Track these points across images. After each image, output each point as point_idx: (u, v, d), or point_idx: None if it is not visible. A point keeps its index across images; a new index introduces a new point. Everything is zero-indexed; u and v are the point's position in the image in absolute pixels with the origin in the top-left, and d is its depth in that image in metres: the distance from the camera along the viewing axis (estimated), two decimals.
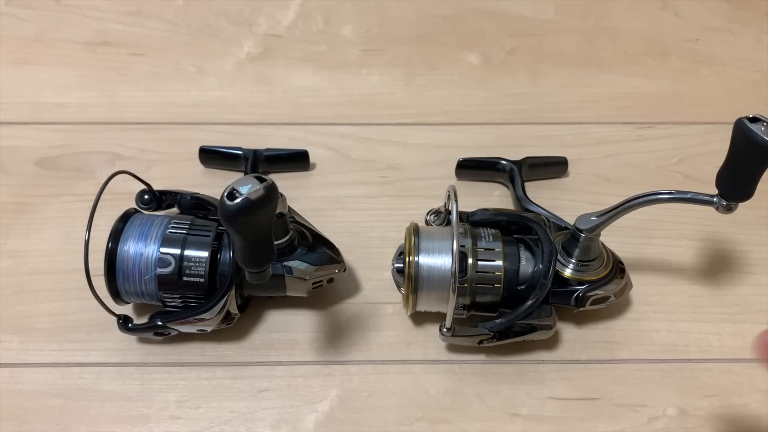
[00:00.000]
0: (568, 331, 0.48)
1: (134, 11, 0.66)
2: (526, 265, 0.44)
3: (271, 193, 0.33)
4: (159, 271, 0.43)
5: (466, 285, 0.43)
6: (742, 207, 0.40)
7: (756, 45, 0.68)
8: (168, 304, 0.45)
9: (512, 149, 0.58)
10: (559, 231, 0.48)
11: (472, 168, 0.57)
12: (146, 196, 0.49)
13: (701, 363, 0.47)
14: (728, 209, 0.40)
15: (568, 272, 0.45)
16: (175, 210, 0.50)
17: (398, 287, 0.46)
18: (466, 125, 0.62)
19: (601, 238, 0.45)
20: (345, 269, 0.47)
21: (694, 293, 0.50)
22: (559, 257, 0.45)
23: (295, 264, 0.45)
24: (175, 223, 0.45)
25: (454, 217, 0.42)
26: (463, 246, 0.44)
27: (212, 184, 0.55)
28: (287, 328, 0.48)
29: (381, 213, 0.55)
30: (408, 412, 0.44)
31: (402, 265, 0.44)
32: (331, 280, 0.47)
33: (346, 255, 0.48)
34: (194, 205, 0.49)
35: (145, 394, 0.45)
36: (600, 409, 0.45)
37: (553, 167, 0.58)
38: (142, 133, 0.60)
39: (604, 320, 0.49)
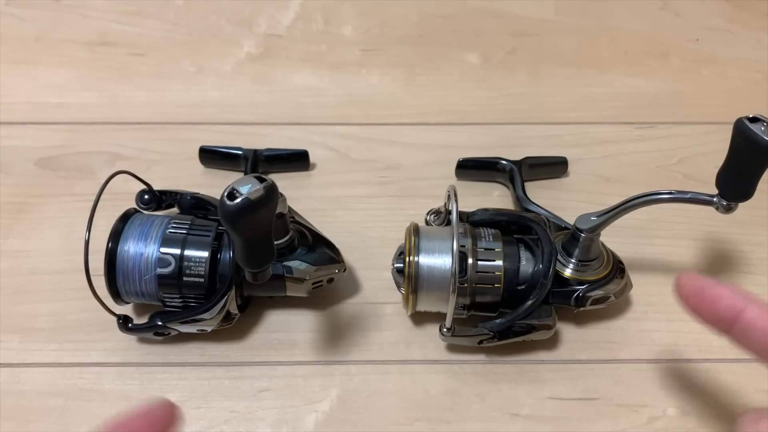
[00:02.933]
0: (568, 331, 0.48)
1: (134, 11, 0.66)
2: (526, 265, 0.44)
3: (271, 193, 0.33)
4: (159, 271, 0.43)
5: (466, 285, 0.43)
6: (742, 207, 0.40)
7: (756, 45, 0.68)
8: (168, 304, 0.45)
9: (512, 149, 0.57)
10: (559, 231, 0.48)
11: (472, 168, 0.57)
12: (146, 196, 0.49)
13: (701, 363, 0.47)
14: (728, 209, 0.40)
15: (568, 272, 0.45)
16: (175, 210, 0.50)
17: (398, 287, 0.46)
18: (466, 125, 0.62)
19: (601, 238, 0.45)
20: (345, 269, 0.47)
21: None
22: (559, 257, 0.45)
23: (295, 264, 0.45)
24: (175, 223, 0.45)
25: (454, 217, 0.42)
26: (463, 246, 0.44)
27: (212, 184, 0.55)
28: (287, 328, 0.48)
29: (381, 213, 0.55)
30: (408, 412, 0.44)
31: (402, 265, 0.44)
32: (331, 280, 0.47)
33: (346, 255, 0.48)
34: (194, 205, 0.49)
35: (145, 394, 0.45)
36: (600, 409, 0.45)
37: (553, 167, 0.58)
38: (142, 133, 0.60)
39: (604, 320, 0.49)
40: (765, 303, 0.34)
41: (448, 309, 0.42)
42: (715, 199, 0.40)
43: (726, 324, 0.35)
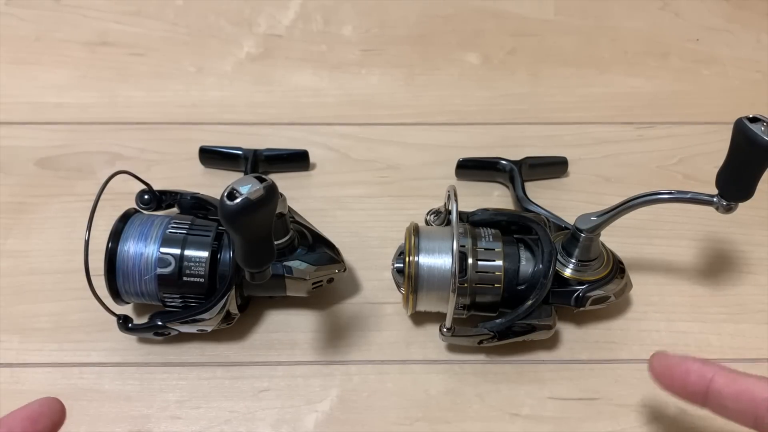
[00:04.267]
0: (568, 331, 0.48)
1: (134, 11, 0.66)
2: (526, 265, 0.44)
3: (271, 193, 0.33)
4: (159, 271, 0.43)
5: (466, 285, 0.43)
6: (742, 207, 0.40)
7: (756, 45, 0.68)
8: (168, 304, 0.45)
9: (512, 149, 0.57)
10: (559, 231, 0.48)
11: (472, 168, 0.57)
12: (146, 196, 0.49)
13: None
14: (728, 209, 0.40)
15: (568, 272, 0.45)
16: (175, 210, 0.50)
17: (398, 287, 0.46)
18: (466, 125, 0.62)
19: (601, 238, 0.45)
20: (345, 269, 0.47)
21: (694, 293, 0.50)
22: (559, 257, 0.45)
23: (295, 264, 0.45)
24: (175, 223, 0.45)
25: (454, 217, 0.42)
26: (463, 246, 0.44)
27: (212, 184, 0.55)
28: (287, 328, 0.48)
29: (381, 213, 0.55)
30: (408, 412, 0.44)
31: (402, 265, 0.44)
32: (331, 280, 0.47)
33: (346, 255, 0.48)
34: (194, 205, 0.49)
35: (145, 394, 0.45)
36: (600, 409, 0.45)
37: (553, 167, 0.58)
38: (142, 133, 0.60)
39: (604, 320, 0.49)
40: (731, 370, 0.34)
41: (448, 309, 0.42)
42: (715, 199, 0.40)
43: (700, 397, 0.35)
